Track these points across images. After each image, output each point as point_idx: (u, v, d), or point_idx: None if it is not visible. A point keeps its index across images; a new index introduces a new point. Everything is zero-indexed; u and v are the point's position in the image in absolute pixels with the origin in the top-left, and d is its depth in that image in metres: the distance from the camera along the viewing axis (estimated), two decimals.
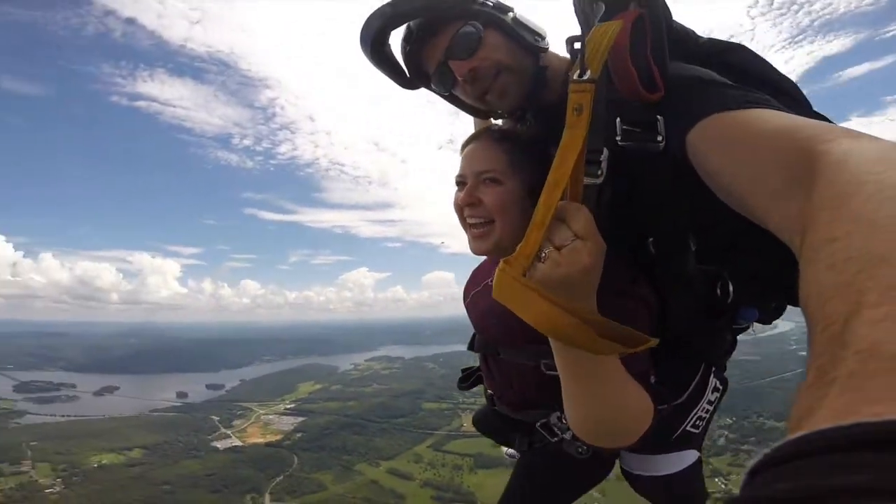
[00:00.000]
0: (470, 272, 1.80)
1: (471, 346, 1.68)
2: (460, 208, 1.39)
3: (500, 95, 1.34)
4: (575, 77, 1.01)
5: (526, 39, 1.30)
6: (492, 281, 1.52)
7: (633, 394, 1.07)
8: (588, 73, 1.00)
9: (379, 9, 1.27)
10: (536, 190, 1.36)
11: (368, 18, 1.28)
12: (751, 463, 0.29)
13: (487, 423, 1.75)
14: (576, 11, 1.23)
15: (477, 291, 1.63)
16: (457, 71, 1.31)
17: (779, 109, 0.96)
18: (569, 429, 1.36)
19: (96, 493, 55.96)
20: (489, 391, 1.69)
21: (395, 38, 1.38)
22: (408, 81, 1.45)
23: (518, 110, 1.45)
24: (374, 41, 1.31)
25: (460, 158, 1.44)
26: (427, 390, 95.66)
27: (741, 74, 1.21)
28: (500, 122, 1.61)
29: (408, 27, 1.33)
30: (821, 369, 0.35)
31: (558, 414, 1.45)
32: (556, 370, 1.14)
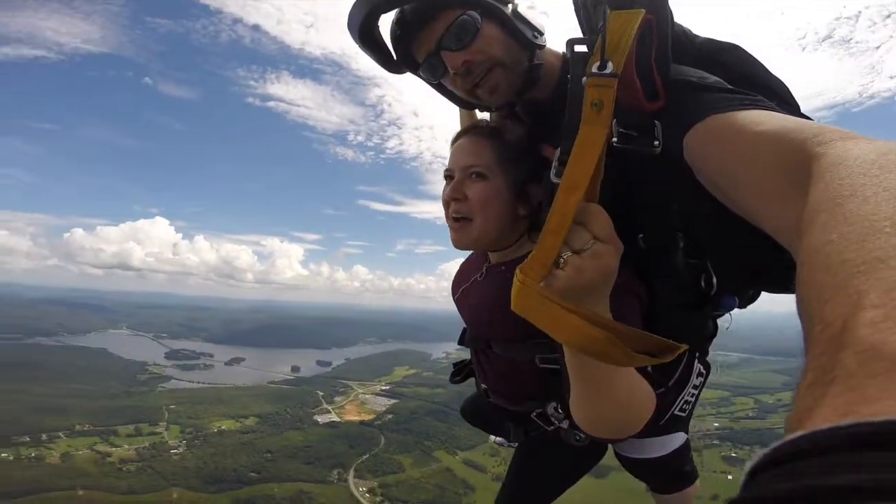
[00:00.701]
0: None
1: (461, 342, 1.68)
2: (447, 203, 1.38)
3: (491, 91, 1.28)
4: (594, 69, 0.93)
5: (524, 35, 1.24)
6: (480, 276, 1.55)
7: (640, 389, 1.03)
8: (609, 66, 0.92)
9: None
10: (523, 187, 1.36)
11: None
12: (750, 463, 0.29)
13: (478, 415, 1.77)
14: (576, 12, 1.18)
15: (466, 287, 1.61)
16: (449, 63, 1.24)
17: (773, 110, 0.94)
18: (566, 417, 1.36)
19: (209, 455, 62.58)
20: (483, 385, 1.66)
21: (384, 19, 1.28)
22: (394, 66, 1.39)
23: (507, 106, 1.42)
24: (363, 23, 1.23)
25: (450, 153, 1.43)
26: None
27: (736, 75, 1.18)
28: (487, 115, 1.62)
29: (401, 10, 1.25)
30: (820, 369, 0.35)
31: (555, 404, 1.44)
32: (552, 363, 1.12)
